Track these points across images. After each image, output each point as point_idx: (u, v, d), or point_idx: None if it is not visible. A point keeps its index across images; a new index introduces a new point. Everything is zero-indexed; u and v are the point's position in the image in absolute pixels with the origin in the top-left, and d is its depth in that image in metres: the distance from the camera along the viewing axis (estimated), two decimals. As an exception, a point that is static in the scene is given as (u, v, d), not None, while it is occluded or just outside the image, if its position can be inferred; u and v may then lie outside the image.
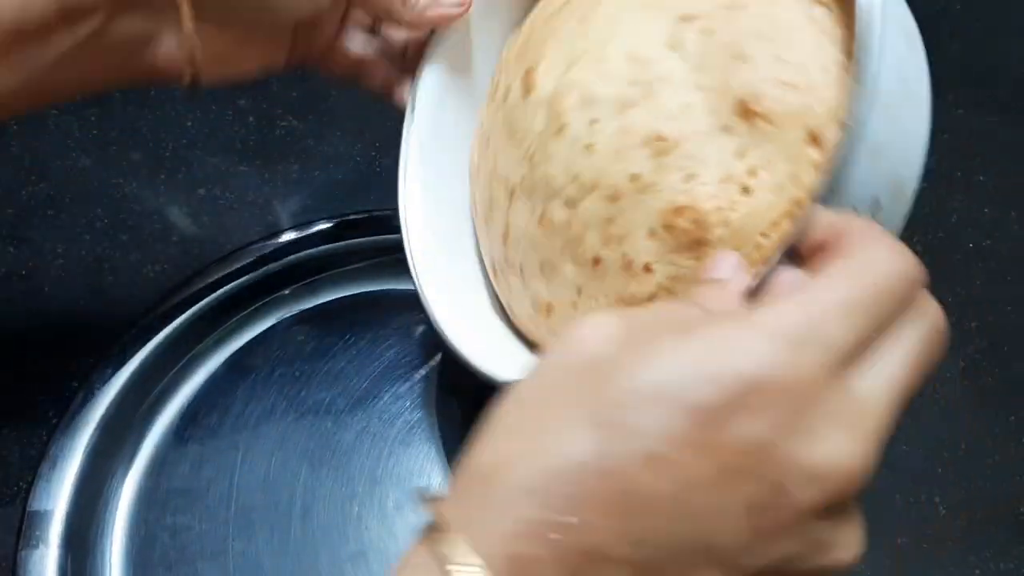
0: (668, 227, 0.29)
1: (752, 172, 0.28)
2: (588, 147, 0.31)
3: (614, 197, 0.30)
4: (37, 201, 0.51)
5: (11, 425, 0.42)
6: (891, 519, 0.42)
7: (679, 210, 0.29)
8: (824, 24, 0.29)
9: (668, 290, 0.29)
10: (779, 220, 0.28)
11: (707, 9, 0.30)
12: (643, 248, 0.29)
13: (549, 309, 0.32)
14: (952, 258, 0.51)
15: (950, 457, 0.44)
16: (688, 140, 0.29)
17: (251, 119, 0.55)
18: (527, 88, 0.33)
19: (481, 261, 0.38)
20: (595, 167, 0.30)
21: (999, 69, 0.60)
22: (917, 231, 0.52)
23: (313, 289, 0.47)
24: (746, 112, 0.28)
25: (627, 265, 0.30)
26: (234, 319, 0.45)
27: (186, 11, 0.32)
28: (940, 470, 0.44)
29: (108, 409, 0.41)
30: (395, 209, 0.38)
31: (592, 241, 0.30)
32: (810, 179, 0.28)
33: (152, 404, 0.42)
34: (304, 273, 0.47)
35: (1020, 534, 0.42)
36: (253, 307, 0.45)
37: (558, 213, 0.31)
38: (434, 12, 0.36)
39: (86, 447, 0.39)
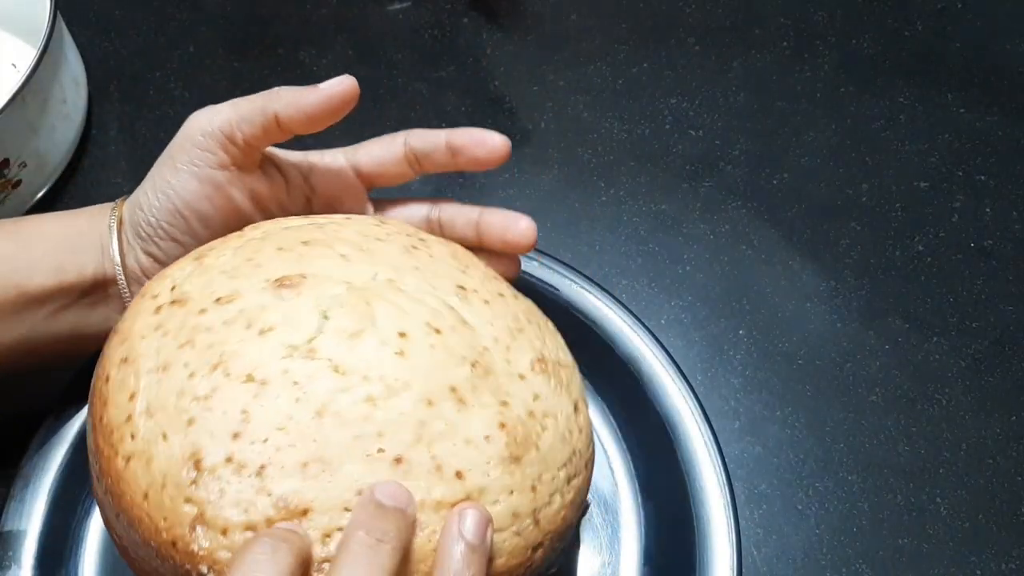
0: (488, 438, 0.29)
1: (545, 415, 0.32)
2: (399, 353, 0.30)
3: (430, 402, 0.29)
4: (35, 203, 0.51)
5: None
6: (892, 519, 0.42)
7: (502, 426, 0.30)
8: (555, 331, 0.36)
9: (475, 499, 0.29)
10: (566, 463, 0.32)
11: (476, 287, 0.34)
12: (458, 453, 0.29)
13: (304, 513, 0.27)
14: (953, 258, 0.51)
15: (951, 457, 0.44)
16: (496, 374, 0.31)
17: (251, 119, 0.55)
18: (284, 293, 0.31)
19: None
20: (408, 371, 0.30)
21: (999, 69, 0.60)
22: (918, 231, 0.52)
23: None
24: (538, 367, 0.32)
25: (437, 468, 0.28)
26: None
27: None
28: (941, 470, 0.44)
29: (82, 428, 0.40)
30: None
31: (396, 439, 0.28)
32: (577, 438, 0.33)
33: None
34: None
35: (1021, 535, 0.42)
36: None
37: (351, 407, 0.28)
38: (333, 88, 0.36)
39: (59, 466, 0.39)
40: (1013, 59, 0.60)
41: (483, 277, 0.35)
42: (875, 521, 0.42)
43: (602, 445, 0.42)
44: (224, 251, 0.33)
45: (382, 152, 0.40)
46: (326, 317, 0.30)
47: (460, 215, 0.39)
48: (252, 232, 0.35)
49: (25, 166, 0.49)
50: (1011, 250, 0.51)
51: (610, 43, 0.60)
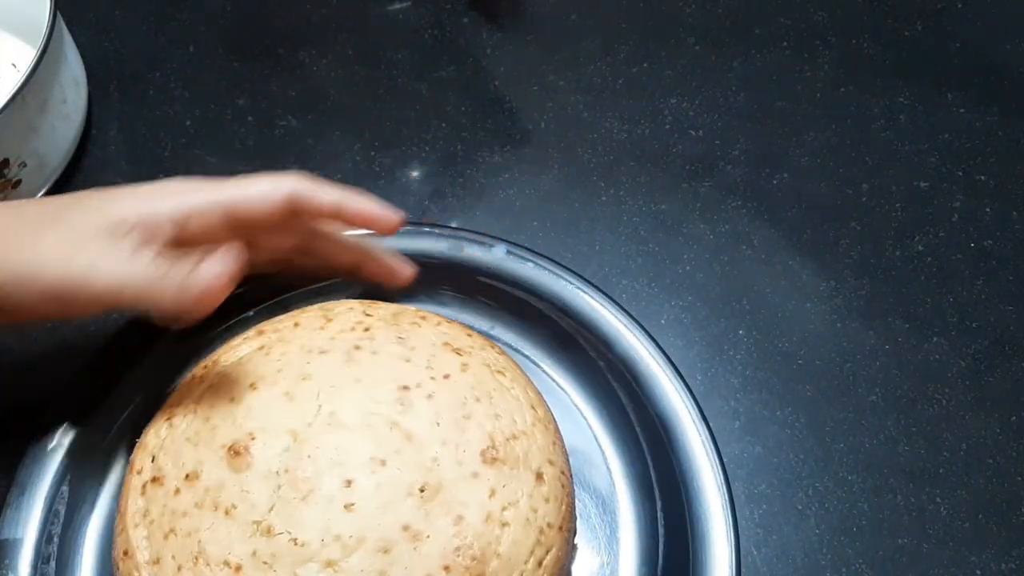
0: (447, 569, 0.31)
1: (504, 508, 0.33)
2: (348, 506, 0.32)
3: (386, 549, 0.31)
4: (36, 201, 0.51)
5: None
6: (892, 519, 0.42)
7: (458, 550, 0.31)
8: (510, 386, 0.37)
9: None
10: (533, 548, 0.33)
11: (419, 379, 0.36)
12: None
13: None
14: (953, 257, 0.51)
15: (951, 457, 0.44)
16: (447, 487, 0.33)
17: (251, 119, 0.56)
18: (237, 465, 0.34)
19: None
20: (359, 524, 0.32)
21: (999, 68, 0.60)
22: (918, 230, 0.52)
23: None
24: (490, 458, 0.34)
25: None
26: (216, 331, 0.44)
27: None
28: (941, 470, 0.44)
29: (77, 435, 0.40)
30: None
31: None
32: (544, 511, 0.34)
33: (122, 429, 0.42)
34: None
35: (1021, 535, 0.42)
36: (240, 318, 0.45)
37: (317, 575, 0.31)
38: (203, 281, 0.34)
39: (55, 474, 0.39)
40: (1013, 59, 0.60)
41: (430, 355, 0.37)
42: (875, 521, 0.42)
43: (599, 445, 0.42)
44: (188, 407, 0.37)
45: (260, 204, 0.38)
46: (277, 483, 0.33)
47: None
48: (211, 373, 0.38)
49: (25, 166, 0.49)
50: (1011, 250, 0.51)
51: (610, 43, 0.60)
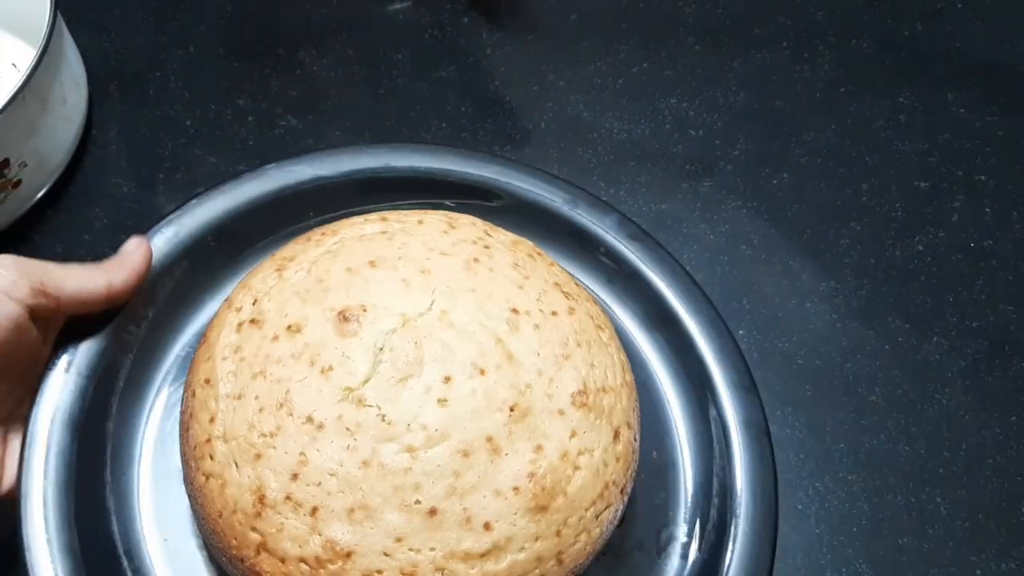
0: (516, 490, 0.31)
1: (580, 453, 0.33)
2: (442, 401, 0.32)
3: (466, 453, 0.31)
4: (35, 203, 0.51)
5: None
6: (892, 519, 0.42)
7: (531, 476, 0.32)
8: (607, 343, 0.37)
9: (501, 549, 0.31)
10: (596, 500, 0.33)
11: (529, 307, 0.36)
12: (487, 506, 0.31)
13: (348, 555, 0.31)
14: (953, 257, 0.51)
15: (951, 457, 0.44)
16: (534, 414, 0.33)
17: (251, 119, 0.56)
18: (343, 330, 0.33)
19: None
20: (449, 421, 0.32)
21: (1000, 68, 0.60)
22: (918, 230, 0.52)
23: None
24: (579, 402, 0.34)
25: (467, 520, 0.31)
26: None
27: None
28: (941, 470, 0.44)
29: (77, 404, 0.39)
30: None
31: (432, 492, 0.31)
32: (613, 469, 0.34)
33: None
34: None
35: (1021, 534, 0.42)
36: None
37: (393, 458, 0.31)
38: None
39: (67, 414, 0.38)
40: (1013, 59, 0.60)
41: (541, 289, 0.37)
42: (875, 521, 0.42)
43: (675, 433, 0.42)
44: (302, 264, 0.36)
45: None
46: (379, 359, 0.33)
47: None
48: (329, 240, 0.38)
49: (25, 166, 0.49)
50: (1011, 250, 0.51)
51: (610, 43, 0.61)
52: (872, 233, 0.52)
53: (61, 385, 0.36)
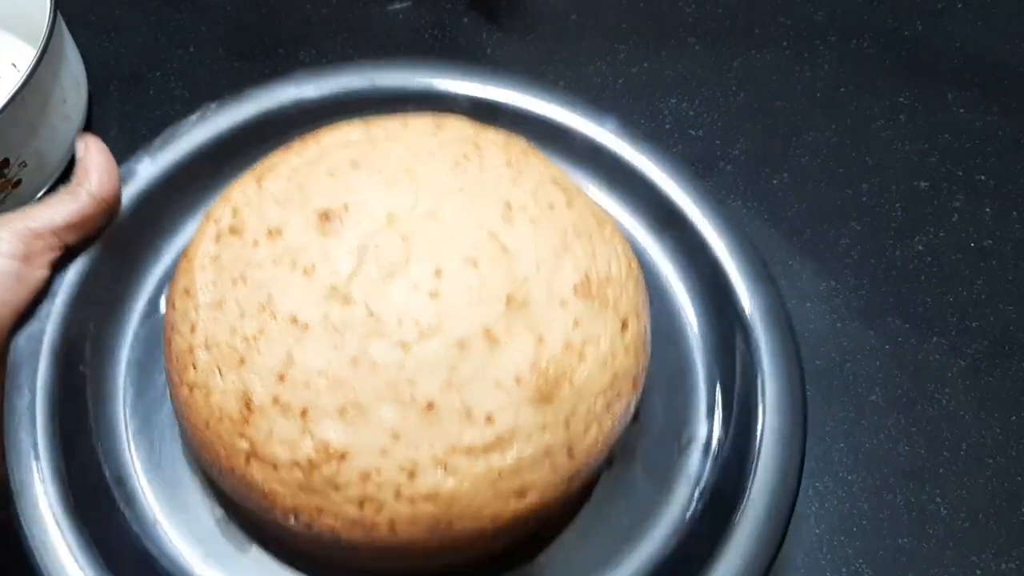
0: (519, 380, 0.30)
1: (585, 343, 0.32)
2: (433, 294, 0.31)
3: (463, 345, 0.30)
4: (35, 202, 0.51)
5: None
6: (892, 519, 0.42)
7: (533, 366, 0.30)
8: (610, 237, 0.35)
9: (506, 442, 0.30)
10: (605, 390, 0.32)
11: (524, 202, 0.34)
12: (488, 397, 0.30)
13: (343, 456, 0.29)
14: (953, 257, 0.51)
15: (951, 457, 0.44)
16: (533, 305, 0.31)
17: (251, 119, 0.56)
18: (325, 229, 0.32)
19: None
20: (442, 314, 0.30)
21: (1000, 68, 0.60)
22: (918, 230, 0.52)
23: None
24: (582, 291, 0.32)
25: (467, 413, 0.29)
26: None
27: None
28: (941, 470, 0.44)
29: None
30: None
31: (427, 385, 0.29)
32: (622, 360, 0.32)
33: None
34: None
35: (1022, 534, 0.42)
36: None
37: (384, 354, 0.30)
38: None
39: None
40: (1013, 59, 0.60)
41: (536, 184, 0.35)
42: (875, 521, 0.42)
43: (688, 333, 0.40)
44: (282, 173, 0.35)
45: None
46: (364, 257, 0.31)
47: None
48: (311, 149, 0.36)
49: (25, 166, 0.49)
50: (1011, 250, 0.51)
51: (610, 43, 0.61)
52: (872, 233, 0.52)
53: (43, 313, 0.35)
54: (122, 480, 0.35)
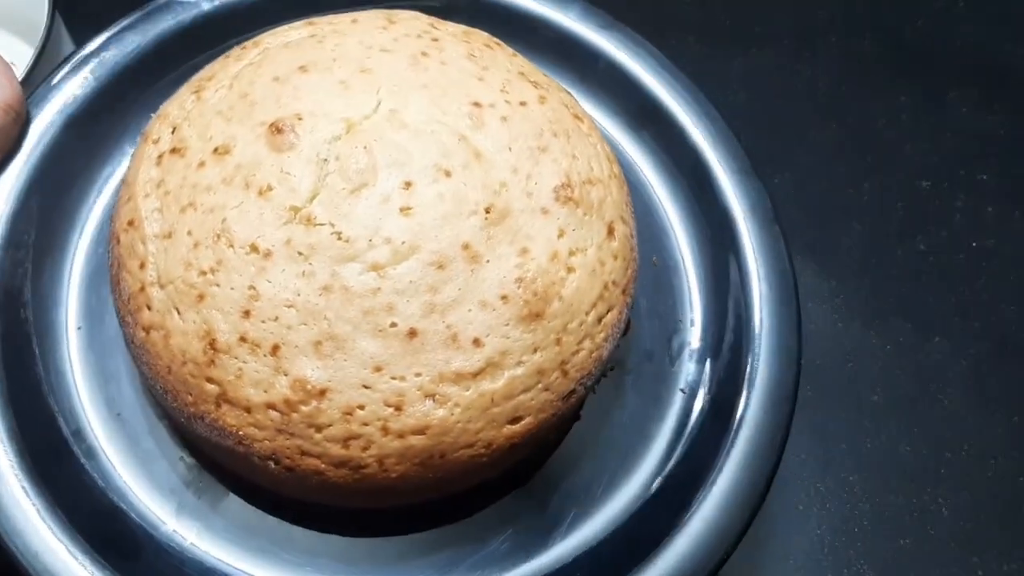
0: (505, 299, 0.28)
1: (572, 253, 0.30)
2: (404, 209, 0.28)
3: (440, 264, 0.28)
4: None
5: None
6: (893, 520, 0.42)
7: (519, 281, 0.28)
8: (588, 133, 0.33)
9: (496, 365, 0.28)
10: (596, 302, 0.30)
11: (493, 99, 0.31)
12: (474, 320, 0.28)
13: (322, 394, 0.27)
14: (955, 258, 0.51)
15: (952, 458, 0.44)
16: (514, 215, 0.29)
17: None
18: (278, 144, 0.29)
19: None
20: (416, 230, 0.28)
21: (1001, 68, 0.59)
22: (920, 231, 0.52)
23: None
24: (563, 197, 0.30)
25: (452, 338, 0.28)
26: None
27: None
28: (943, 471, 0.44)
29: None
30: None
31: (407, 311, 0.27)
32: (611, 267, 0.31)
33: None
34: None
35: (1023, 535, 0.42)
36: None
37: (357, 279, 0.27)
38: None
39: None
40: (1014, 59, 0.60)
41: (504, 79, 0.32)
42: (876, 521, 0.42)
43: (670, 229, 0.38)
44: (222, 81, 0.32)
45: None
46: (324, 171, 0.29)
47: None
48: (251, 52, 0.33)
49: (24, 166, 0.49)
50: (1013, 250, 0.51)
51: (610, 43, 0.60)
52: (873, 233, 0.52)
53: None
54: (80, 433, 0.33)
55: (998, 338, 0.48)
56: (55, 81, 0.36)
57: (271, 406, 0.27)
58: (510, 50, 0.35)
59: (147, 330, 0.29)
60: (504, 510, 0.33)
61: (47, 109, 0.36)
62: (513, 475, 0.33)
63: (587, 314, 0.30)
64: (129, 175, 0.32)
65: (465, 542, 0.32)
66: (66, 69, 0.37)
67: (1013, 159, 0.55)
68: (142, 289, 0.29)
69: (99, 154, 0.37)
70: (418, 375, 0.27)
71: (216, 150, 0.30)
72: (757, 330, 0.34)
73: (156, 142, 0.32)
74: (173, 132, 0.31)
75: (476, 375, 0.28)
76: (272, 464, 0.28)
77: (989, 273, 0.50)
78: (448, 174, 0.29)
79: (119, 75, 0.37)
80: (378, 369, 0.27)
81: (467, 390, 0.28)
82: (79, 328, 0.35)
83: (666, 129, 0.38)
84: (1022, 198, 0.53)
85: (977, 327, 0.48)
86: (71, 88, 0.36)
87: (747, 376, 0.33)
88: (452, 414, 0.28)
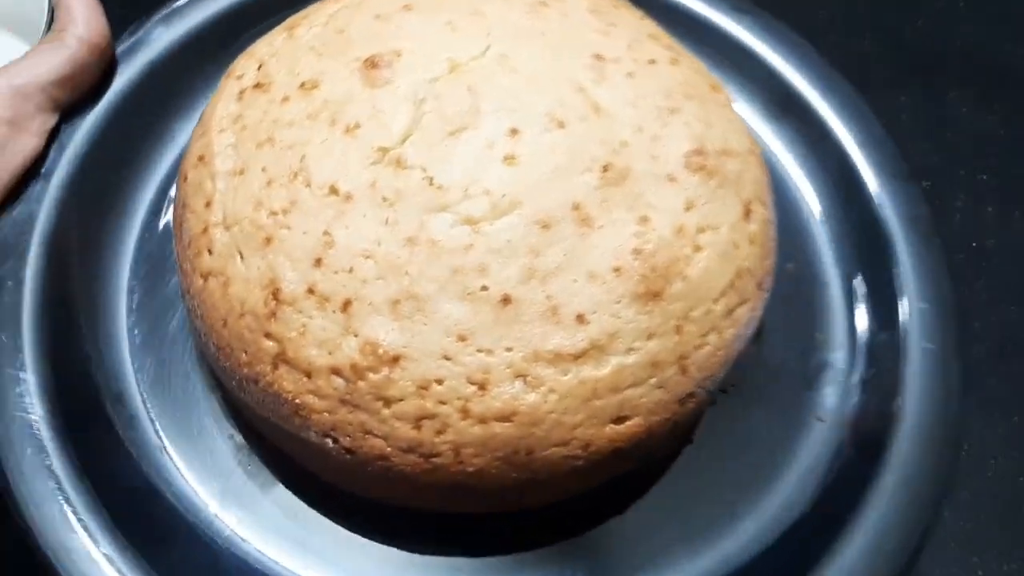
0: (618, 271, 0.24)
1: (701, 230, 0.26)
2: (509, 158, 0.25)
3: (545, 224, 0.24)
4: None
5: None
6: (893, 520, 0.42)
7: (636, 252, 0.24)
8: (726, 104, 0.29)
9: (602, 349, 0.24)
10: (726, 289, 0.25)
11: (618, 54, 0.27)
12: (579, 292, 0.24)
13: (395, 361, 0.23)
14: (955, 258, 0.51)
15: (952, 458, 0.44)
16: (635, 178, 0.25)
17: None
18: (372, 79, 0.26)
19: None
20: (521, 183, 0.24)
21: (1001, 68, 0.59)
22: (919, 230, 0.52)
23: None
24: (695, 164, 0.26)
25: (552, 311, 0.24)
26: None
27: None
28: (942, 471, 0.44)
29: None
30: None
31: (502, 274, 0.24)
32: (746, 253, 0.26)
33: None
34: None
35: (1023, 535, 0.42)
36: None
37: (448, 232, 0.24)
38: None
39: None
40: (1014, 59, 0.60)
41: (632, 38, 0.28)
42: (876, 522, 0.42)
43: (811, 226, 0.33)
44: (317, 19, 0.29)
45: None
46: (421, 111, 0.25)
47: None
48: None
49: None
50: (1013, 250, 0.51)
51: (610, 43, 0.60)
52: (873, 233, 0.52)
53: (34, 194, 0.30)
54: (123, 398, 0.30)
55: (998, 338, 0.48)
56: (141, 32, 0.35)
57: (335, 371, 0.24)
58: (640, 12, 0.31)
59: (205, 277, 0.26)
60: (592, 541, 0.28)
61: (133, 60, 0.34)
62: (608, 496, 0.28)
63: (715, 302, 0.25)
64: (207, 111, 0.29)
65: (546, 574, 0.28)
66: (156, 18, 0.35)
67: (1013, 159, 0.55)
68: (205, 231, 0.26)
69: (177, 109, 0.35)
70: (509, 350, 0.23)
71: (303, 85, 0.27)
72: (905, 353, 0.29)
73: (240, 78, 0.29)
74: (259, 69, 0.29)
75: (577, 358, 0.24)
76: (330, 442, 0.25)
77: (989, 273, 0.50)
78: (562, 125, 0.25)
79: (211, 26, 0.35)
80: (462, 338, 0.23)
81: (565, 374, 0.24)
82: (138, 283, 0.32)
83: (808, 124, 0.34)
84: (1022, 198, 0.53)
85: (977, 327, 0.48)
86: (158, 37, 0.34)
87: (900, 408, 0.29)
88: (546, 401, 0.24)
